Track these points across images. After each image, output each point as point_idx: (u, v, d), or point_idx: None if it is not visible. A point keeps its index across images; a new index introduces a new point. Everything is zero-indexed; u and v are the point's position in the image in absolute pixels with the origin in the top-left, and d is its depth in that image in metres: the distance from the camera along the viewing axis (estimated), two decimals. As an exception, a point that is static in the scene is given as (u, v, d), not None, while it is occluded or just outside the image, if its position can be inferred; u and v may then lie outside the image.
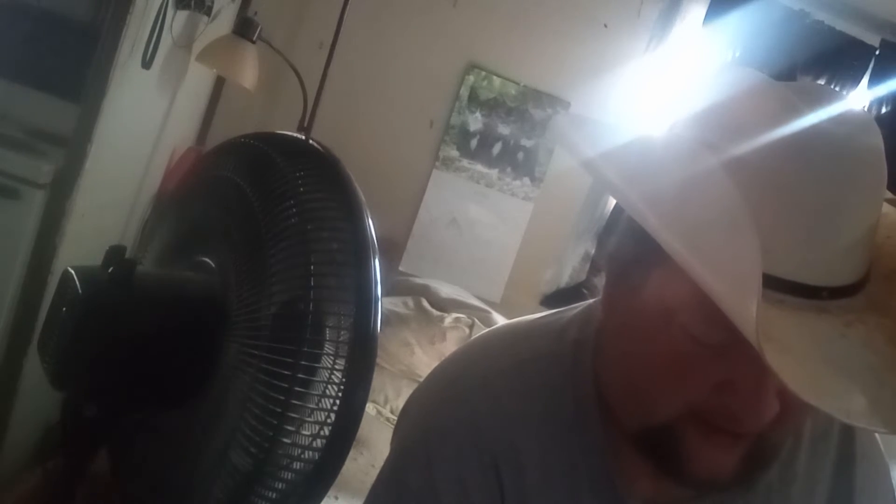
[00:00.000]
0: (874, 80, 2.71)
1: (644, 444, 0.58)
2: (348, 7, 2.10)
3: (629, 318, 0.58)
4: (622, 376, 0.60)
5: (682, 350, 0.53)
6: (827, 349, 0.48)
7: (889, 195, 0.56)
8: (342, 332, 0.90)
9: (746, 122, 0.51)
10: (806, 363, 0.46)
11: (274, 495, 0.89)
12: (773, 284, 0.48)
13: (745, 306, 0.43)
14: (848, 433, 0.69)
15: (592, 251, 2.93)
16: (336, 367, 0.89)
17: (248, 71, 2.17)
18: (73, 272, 0.96)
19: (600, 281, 0.65)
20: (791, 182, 0.49)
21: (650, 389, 0.56)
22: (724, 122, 0.53)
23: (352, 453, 0.91)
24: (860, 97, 2.73)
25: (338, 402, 0.88)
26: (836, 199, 0.49)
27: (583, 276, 2.95)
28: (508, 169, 2.89)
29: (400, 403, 2.17)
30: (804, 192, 0.48)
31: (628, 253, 0.59)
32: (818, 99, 0.51)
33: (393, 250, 2.81)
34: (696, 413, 0.53)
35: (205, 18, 2.16)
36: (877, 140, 0.51)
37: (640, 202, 0.50)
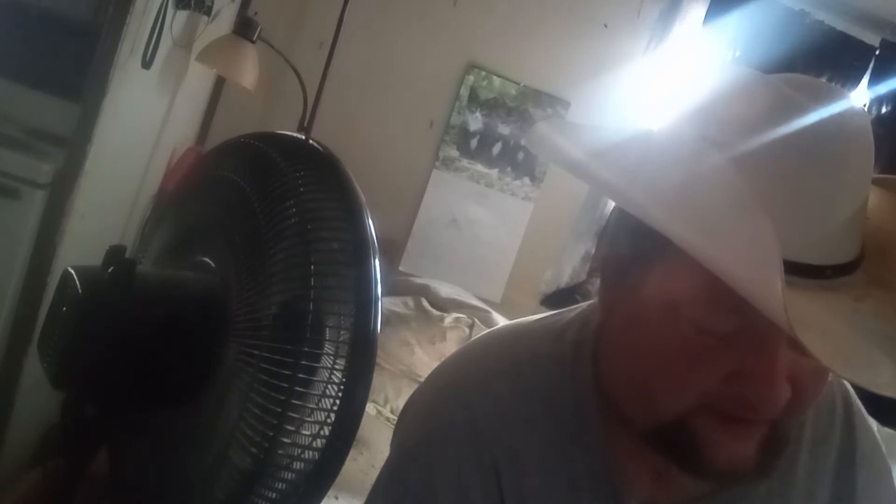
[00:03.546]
0: (874, 80, 2.71)
1: (659, 441, 0.58)
2: (348, 7, 2.10)
3: (632, 316, 0.58)
4: (629, 376, 0.60)
5: (690, 342, 0.53)
6: (844, 323, 0.49)
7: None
8: (342, 332, 0.90)
9: (743, 116, 0.52)
10: (829, 338, 0.47)
11: (274, 495, 0.89)
12: None
13: (769, 288, 0.43)
14: (849, 435, 0.69)
15: (592, 251, 2.93)
16: (336, 367, 0.89)
17: (248, 71, 2.17)
18: (73, 272, 0.96)
19: (598, 281, 0.65)
20: (788, 165, 0.50)
21: (661, 385, 0.56)
22: (720, 117, 0.53)
23: (352, 453, 0.91)
24: (860, 97, 2.73)
25: (338, 402, 0.88)
26: (832, 179, 0.50)
27: (583, 276, 2.95)
28: (508, 169, 2.89)
29: (400, 403, 2.17)
30: (801, 174, 0.50)
31: (625, 252, 0.59)
32: (809, 87, 0.53)
33: (393, 250, 2.81)
34: (708, 405, 0.53)
35: (205, 18, 2.16)
36: (864, 119, 0.53)
37: (641, 198, 0.50)
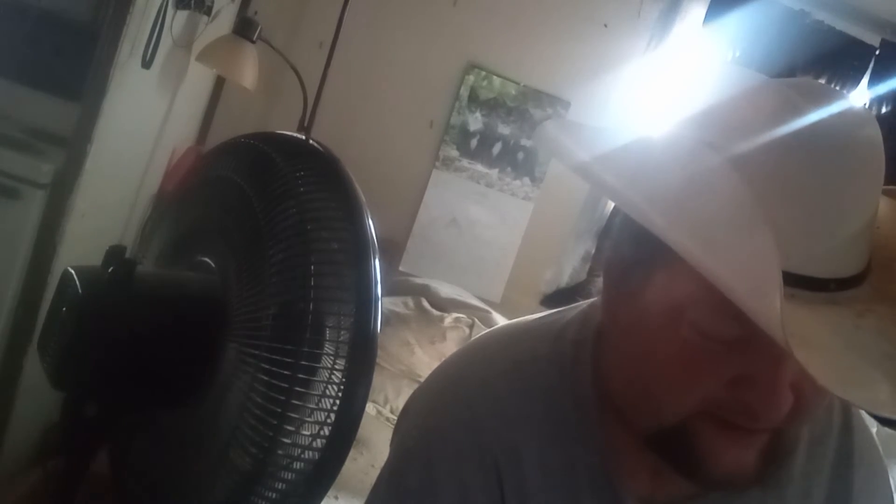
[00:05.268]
0: (874, 80, 2.71)
1: (659, 446, 0.57)
2: (348, 7, 2.10)
3: (634, 320, 0.58)
4: (631, 379, 0.60)
5: (693, 348, 0.52)
6: (845, 341, 0.48)
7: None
8: (342, 332, 0.90)
9: (747, 121, 0.51)
10: (827, 356, 0.46)
11: (274, 495, 0.89)
12: (783, 279, 0.47)
13: (767, 305, 0.42)
14: (846, 436, 0.69)
15: (592, 251, 2.93)
16: (336, 367, 0.89)
17: (248, 71, 2.17)
18: (73, 272, 0.96)
19: (599, 282, 0.64)
20: (794, 176, 0.48)
21: (663, 389, 0.55)
22: (724, 121, 0.52)
23: (352, 453, 0.91)
24: (860, 97, 2.73)
25: (338, 402, 0.88)
26: (839, 191, 0.49)
27: (583, 276, 2.95)
28: (508, 169, 2.89)
29: (400, 403, 2.17)
30: (808, 185, 0.48)
31: (627, 256, 0.59)
32: (816, 94, 0.51)
33: (393, 250, 2.81)
34: (710, 411, 0.53)
35: (205, 18, 2.16)
36: (875, 131, 0.51)
37: (643, 203, 0.49)
